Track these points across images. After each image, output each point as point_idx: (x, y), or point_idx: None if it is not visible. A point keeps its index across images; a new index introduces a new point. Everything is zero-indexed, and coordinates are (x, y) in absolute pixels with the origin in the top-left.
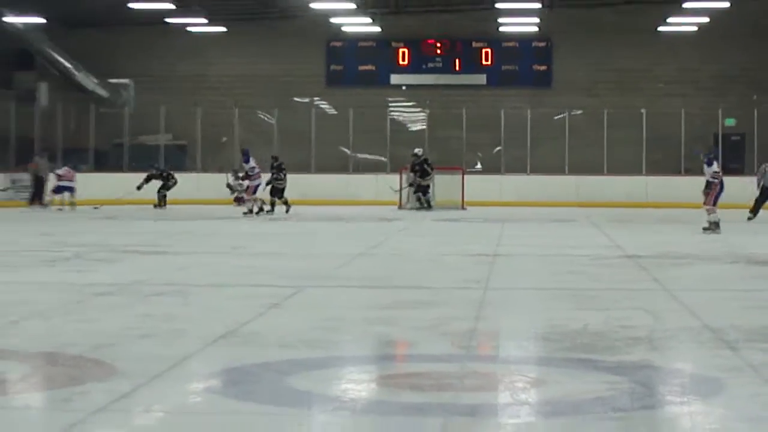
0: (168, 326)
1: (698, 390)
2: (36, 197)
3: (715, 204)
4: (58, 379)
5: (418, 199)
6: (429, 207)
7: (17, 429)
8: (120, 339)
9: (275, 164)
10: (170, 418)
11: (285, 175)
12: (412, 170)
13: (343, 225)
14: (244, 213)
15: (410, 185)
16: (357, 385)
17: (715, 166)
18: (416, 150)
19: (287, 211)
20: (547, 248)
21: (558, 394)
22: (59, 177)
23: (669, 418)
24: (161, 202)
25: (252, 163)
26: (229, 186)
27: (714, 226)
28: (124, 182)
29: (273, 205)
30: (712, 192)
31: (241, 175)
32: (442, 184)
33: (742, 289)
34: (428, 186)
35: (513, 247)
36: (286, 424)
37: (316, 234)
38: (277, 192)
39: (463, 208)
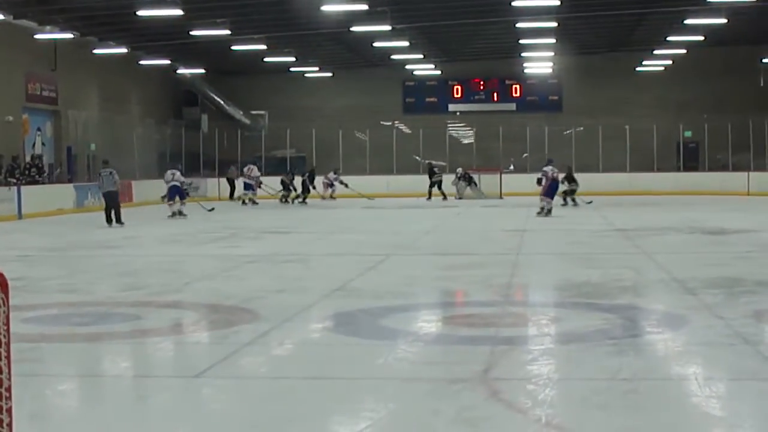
0: (295, 284)
1: (669, 323)
2: (231, 195)
3: (548, 195)
4: (219, 322)
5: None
6: (444, 197)
7: (192, 357)
8: (262, 293)
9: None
10: (297, 349)
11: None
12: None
13: (418, 211)
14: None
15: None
16: (428, 323)
17: (549, 168)
18: (427, 161)
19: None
20: (560, 225)
21: (570, 328)
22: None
23: (648, 343)
24: (296, 196)
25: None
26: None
27: (545, 212)
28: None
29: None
30: (544, 186)
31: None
32: (486, 182)
33: (699, 252)
34: (439, 181)
35: (537, 225)
36: (378, 353)
37: (397, 217)
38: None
39: (501, 197)
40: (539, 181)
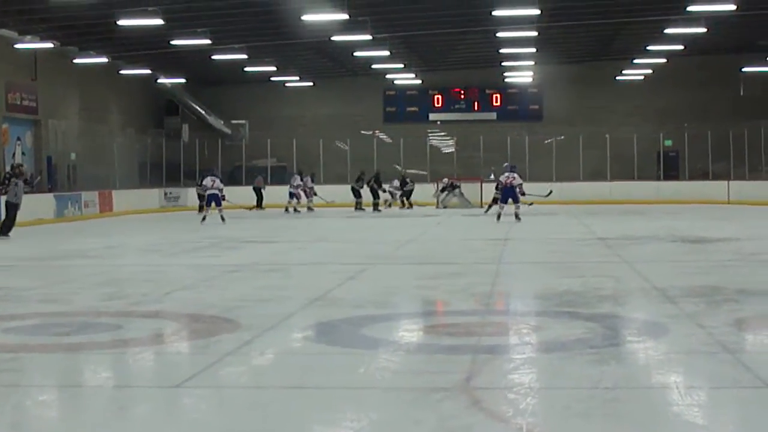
0: (276, 293)
1: (649, 332)
2: (258, 204)
3: (504, 202)
4: (200, 332)
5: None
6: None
7: (173, 367)
8: (243, 303)
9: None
10: (278, 358)
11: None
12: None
13: (399, 220)
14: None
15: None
16: (409, 332)
17: (505, 175)
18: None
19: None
20: (541, 234)
21: (551, 337)
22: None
23: (630, 352)
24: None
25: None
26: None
27: (497, 217)
28: (243, 193)
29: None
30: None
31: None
32: (466, 191)
33: (679, 260)
34: (410, 191)
35: (517, 234)
36: (359, 362)
37: (378, 227)
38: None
39: (481, 207)
40: (497, 187)
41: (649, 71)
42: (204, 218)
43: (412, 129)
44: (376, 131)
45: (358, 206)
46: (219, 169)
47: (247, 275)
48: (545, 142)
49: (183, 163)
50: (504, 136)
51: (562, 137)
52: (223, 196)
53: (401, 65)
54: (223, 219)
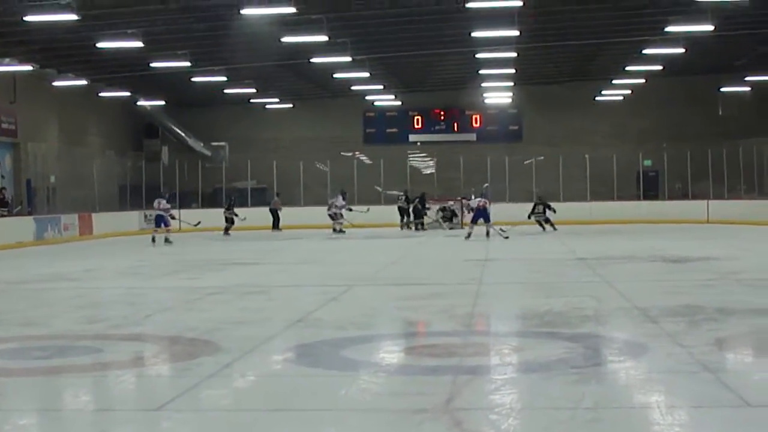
0: (257, 316)
1: (630, 351)
2: (274, 226)
3: (474, 222)
4: (180, 355)
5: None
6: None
7: (153, 390)
8: (224, 325)
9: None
10: (259, 381)
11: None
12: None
13: (380, 241)
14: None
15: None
16: (390, 354)
17: (474, 200)
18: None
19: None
20: (522, 254)
21: (532, 357)
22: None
23: (611, 372)
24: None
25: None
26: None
27: (467, 236)
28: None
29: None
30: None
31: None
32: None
33: (660, 280)
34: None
35: (498, 254)
36: (340, 384)
37: (360, 248)
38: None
39: (462, 227)
40: (470, 209)
41: (628, 92)
42: (153, 239)
43: (392, 150)
44: (356, 152)
45: (407, 225)
46: (200, 191)
47: (229, 297)
48: (525, 162)
49: (163, 185)
50: (484, 156)
51: (542, 158)
52: (172, 215)
53: (381, 86)
54: (167, 241)
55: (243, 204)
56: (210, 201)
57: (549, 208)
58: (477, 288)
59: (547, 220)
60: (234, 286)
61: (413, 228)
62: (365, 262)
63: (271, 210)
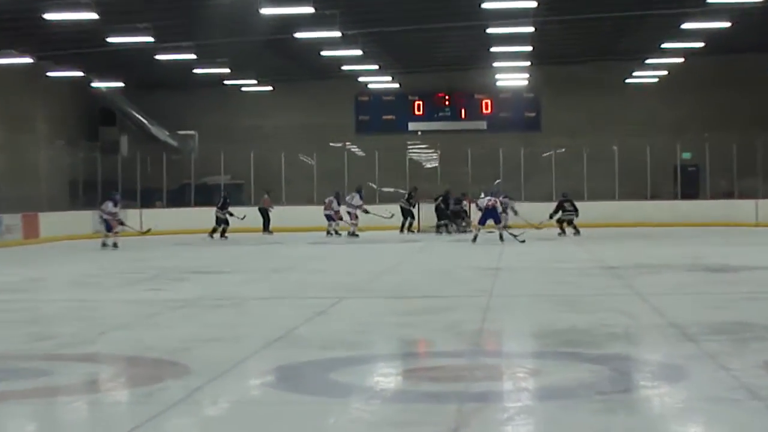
0: (230, 333)
1: (666, 375)
2: (265, 228)
3: (481, 224)
4: (141, 378)
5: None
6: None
7: (110, 419)
8: (191, 344)
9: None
10: (233, 408)
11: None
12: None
13: (372, 246)
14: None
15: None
16: (386, 377)
17: (483, 199)
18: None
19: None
20: (540, 262)
21: (551, 382)
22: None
23: (642, 399)
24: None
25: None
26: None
27: (473, 239)
28: (192, 216)
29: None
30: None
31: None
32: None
33: (700, 292)
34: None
35: (512, 262)
36: (328, 412)
37: (351, 254)
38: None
39: (471, 230)
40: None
41: (664, 73)
42: (103, 244)
43: (388, 141)
44: (347, 143)
45: (408, 228)
46: (165, 188)
47: (196, 311)
48: (543, 155)
49: (121, 180)
50: (495, 149)
51: (563, 150)
52: (120, 221)
53: (376, 67)
54: (114, 245)
55: (216, 203)
56: (177, 199)
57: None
58: (487, 301)
59: (571, 222)
60: (203, 298)
61: (415, 231)
62: (357, 271)
63: (260, 209)
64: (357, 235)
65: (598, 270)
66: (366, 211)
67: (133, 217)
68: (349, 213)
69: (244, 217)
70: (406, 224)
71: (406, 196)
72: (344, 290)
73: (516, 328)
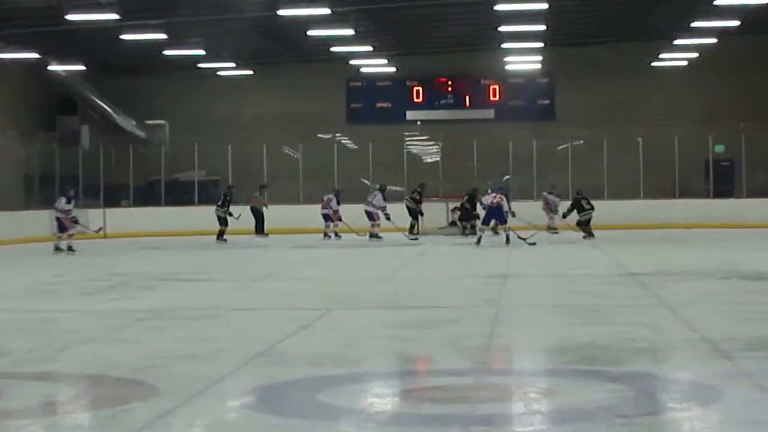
0: (206, 348)
1: (696, 397)
2: (257, 229)
3: (485, 224)
4: (105, 399)
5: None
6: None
7: None
8: (162, 361)
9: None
10: None
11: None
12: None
13: (365, 251)
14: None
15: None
16: (380, 399)
17: (488, 196)
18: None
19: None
20: (553, 268)
21: (567, 403)
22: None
23: (670, 424)
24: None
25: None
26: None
27: (478, 241)
28: (161, 216)
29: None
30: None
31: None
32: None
33: (734, 303)
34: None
35: (522, 268)
36: None
37: (341, 260)
38: None
39: (477, 231)
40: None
41: (695, 55)
42: (56, 248)
43: (384, 132)
44: (337, 134)
45: (412, 229)
46: (131, 184)
47: (167, 324)
48: (558, 148)
49: (82, 176)
50: (505, 140)
51: (581, 142)
52: (74, 219)
53: (369, 48)
54: (69, 249)
55: (189, 201)
56: (145, 197)
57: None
58: (494, 312)
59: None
60: (175, 308)
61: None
62: (348, 278)
63: (252, 209)
64: (380, 237)
65: (619, 277)
66: (388, 217)
67: (96, 217)
68: (369, 213)
69: (239, 216)
70: (416, 225)
71: (412, 193)
72: (334, 300)
73: (527, 343)
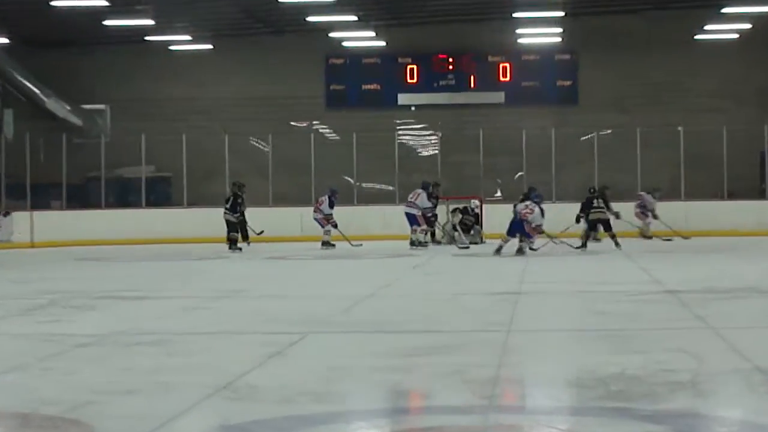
0: (155, 380)
1: None
2: (243, 235)
3: (512, 235)
4: None
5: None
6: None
7: None
8: (101, 395)
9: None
10: None
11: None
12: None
13: (350, 263)
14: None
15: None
16: None
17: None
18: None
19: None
20: (576, 284)
21: None
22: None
23: None
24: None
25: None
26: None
27: (496, 250)
28: (102, 221)
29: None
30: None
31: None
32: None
33: None
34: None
35: (538, 284)
36: None
37: (321, 273)
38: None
39: (482, 241)
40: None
41: (747, 26)
42: None
43: (371, 119)
44: (315, 122)
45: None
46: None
47: (110, 351)
48: (581, 138)
49: (5, 171)
50: (517, 129)
51: (609, 131)
52: None
53: (353, 17)
54: None
55: (135, 203)
56: (81, 198)
57: (608, 206)
58: (505, 338)
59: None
60: (119, 332)
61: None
62: (329, 296)
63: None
64: (426, 245)
65: (655, 294)
66: (434, 219)
67: (22, 222)
68: (411, 216)
69: (262, 231)
70: (434, 231)
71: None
72: (311, 322)
73: (543, 375)
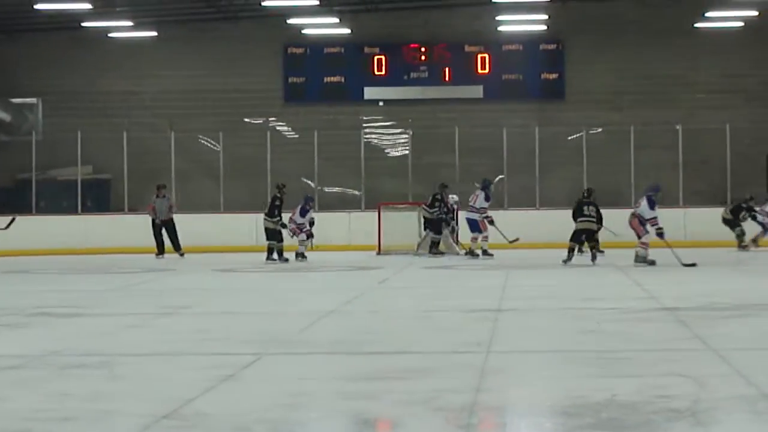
0: (91, 407)
1: None
2: (174, 245)
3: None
4: None
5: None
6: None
7: None
8: (31, 424)
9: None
10: None
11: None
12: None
13: (310, 276)
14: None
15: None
16: None
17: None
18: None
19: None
20: (563, 300)
21: None
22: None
23: None
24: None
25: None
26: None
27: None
28: (33, 229)
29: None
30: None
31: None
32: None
33: None
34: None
35: (521, 300)
36: None
37: (276, 288)
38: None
39: (457, 252)
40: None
41: (753, 14)
42: None
43: (334, 115)
44: (271, 118)
45: (433, 247)
46: None
47: (42, 374)
48: (569, 137)
49: None
50: (497, 127)
51: (599, 130)
52: None
53: (314, 2)
54: None
55: (70, 208)
56: (9, 202)
57: (600, 219)
58: (483, 360)
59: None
60: (52, 354)
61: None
62: (288, 312)
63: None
64: (491, 254)
65: (649, 312)
66: (491, 222)
67: None
68: (472, 222)
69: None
70: (453, 239)
71: (430, 200)
72: (266, 342)
73: (525, 401)
